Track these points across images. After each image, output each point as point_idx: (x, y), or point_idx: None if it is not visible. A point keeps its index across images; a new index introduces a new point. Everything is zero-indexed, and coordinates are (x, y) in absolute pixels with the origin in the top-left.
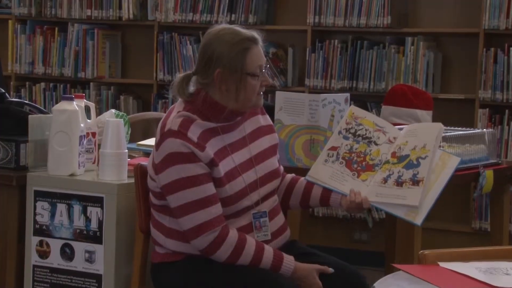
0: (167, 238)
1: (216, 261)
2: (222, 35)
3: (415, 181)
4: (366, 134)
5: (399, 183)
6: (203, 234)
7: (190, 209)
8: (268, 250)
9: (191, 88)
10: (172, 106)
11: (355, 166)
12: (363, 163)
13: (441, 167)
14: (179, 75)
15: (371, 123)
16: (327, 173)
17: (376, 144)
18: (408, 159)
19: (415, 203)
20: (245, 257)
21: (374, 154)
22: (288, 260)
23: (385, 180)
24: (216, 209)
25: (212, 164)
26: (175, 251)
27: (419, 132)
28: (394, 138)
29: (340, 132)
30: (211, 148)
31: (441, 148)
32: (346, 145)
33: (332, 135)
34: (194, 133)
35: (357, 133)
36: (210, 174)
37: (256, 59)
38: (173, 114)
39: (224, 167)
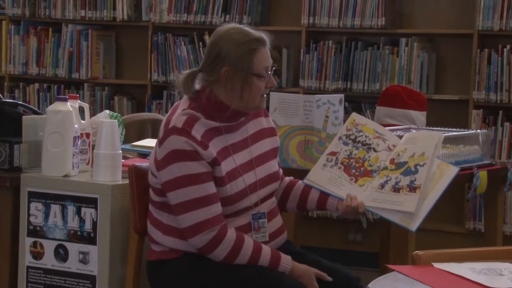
0: (165, 236)
1: (214, 259)
2: (231, 34)
3: (412, 188)
4: (366, 140)
5: (396, 189)
6: (201, 232)
7: (190, 207)
8: (266, 250)
9: (197, 85)
10: (177, 103)
11: (353, 171)
12: (361, 168)
13: (439, 176)
14: (185, 72)
15: (372, 130)
16: (324, 177)
17: (375, 151)
18: (406, 166)
19: (411, 210)
20: (242, 256)
21: (373, 160)
22: (286, 260)
23: (382, 186)
24: (216, 208)
25: (215, 163)
26: (173, 249)
27: (419, 140)
28: (394, 145)
29: (340, 138)
30: (214, 147)
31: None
32: (346, 150)
33: (332, 141)
34: (198, 131)
35: (357, 140)
36: (211, 173)
37: (263, 60)
38: (178, 112)
39: (225, 166)
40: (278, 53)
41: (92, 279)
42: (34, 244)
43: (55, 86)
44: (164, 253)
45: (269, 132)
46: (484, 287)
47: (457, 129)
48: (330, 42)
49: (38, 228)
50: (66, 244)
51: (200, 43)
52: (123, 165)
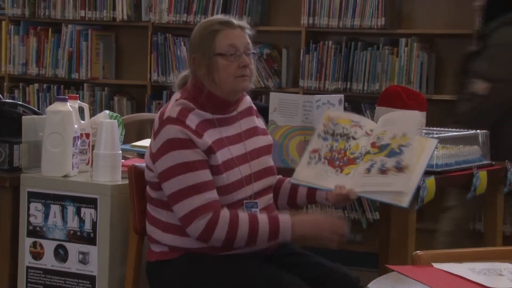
0: (164, 233)
1: (216, 245)
2: (200, 24)
3: (399, 168)
4: (343, 131)
5: (383, 171)
6: (196, 218)
7: (185, 195)
8: (262, 216)
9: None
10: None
11: (337, 163)
12: (344, 158)
13: (420, 151)
14: (183, 71)
15: (347, 120)
16: (311, 174)
17: (354, 139)
18: (389, 148)
19: (401, 189)
20: (241, 229)
21: (354, 148)
22: (284, 218)
23: (368, 170)
24: (211, 195)
25: (210, 151)
26: (172, 247)
27: (398, 120)
28: (371, 130)
29: (319, 135)
30: (209, 137)
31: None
32: (326, 145)
33: (312, 139)
34: (192, 121)
35: (335, 133)
36: (207, 161)
37: (226, 39)
38: (172, 103)
39: (221, 156)
40: (277, 53)
41: (92, 279)
42: (34, 244)
43: (55, 86)
44: (164, 253)
45: (262, 131)
46: (484, 287)
47: (457, 129)
48: (330, 42)
49: (37, 228)
50: (66, 244)
51: None
52: (123, 165)
